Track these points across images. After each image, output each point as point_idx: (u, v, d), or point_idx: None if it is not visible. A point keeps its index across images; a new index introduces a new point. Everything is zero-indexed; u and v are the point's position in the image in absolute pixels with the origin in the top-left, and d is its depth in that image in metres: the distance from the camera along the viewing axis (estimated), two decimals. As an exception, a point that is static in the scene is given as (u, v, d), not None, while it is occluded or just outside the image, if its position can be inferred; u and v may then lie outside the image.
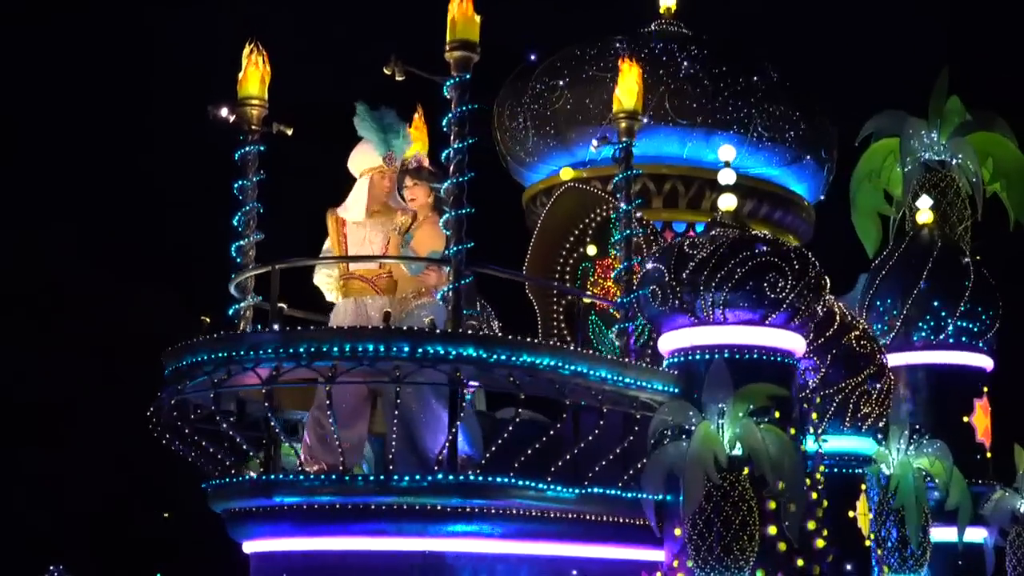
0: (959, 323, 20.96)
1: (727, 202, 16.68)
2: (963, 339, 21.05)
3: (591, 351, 16.19)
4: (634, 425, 15.25)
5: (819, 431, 16.82)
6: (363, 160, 15.82)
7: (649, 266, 16.31)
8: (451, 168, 14.43)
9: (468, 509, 14.16)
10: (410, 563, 14.19)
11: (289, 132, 16.38)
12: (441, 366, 13.36)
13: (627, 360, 15.82)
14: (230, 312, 15.46)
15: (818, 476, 16.22)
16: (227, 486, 14.58)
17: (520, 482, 14.20)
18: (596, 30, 20.55)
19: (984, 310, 21.13)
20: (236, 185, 16.17)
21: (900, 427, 18.81)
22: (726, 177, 16.84)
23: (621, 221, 16.74)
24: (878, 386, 17.57)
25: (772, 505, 15.27)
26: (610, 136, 16.63)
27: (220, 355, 13.82)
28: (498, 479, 13.95)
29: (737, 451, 14.94)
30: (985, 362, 21.48)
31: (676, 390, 15.83)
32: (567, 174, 19.00)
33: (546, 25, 20.44)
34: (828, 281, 16.57)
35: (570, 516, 14.98)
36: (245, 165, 15.99)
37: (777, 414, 15.53)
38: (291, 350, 13.35)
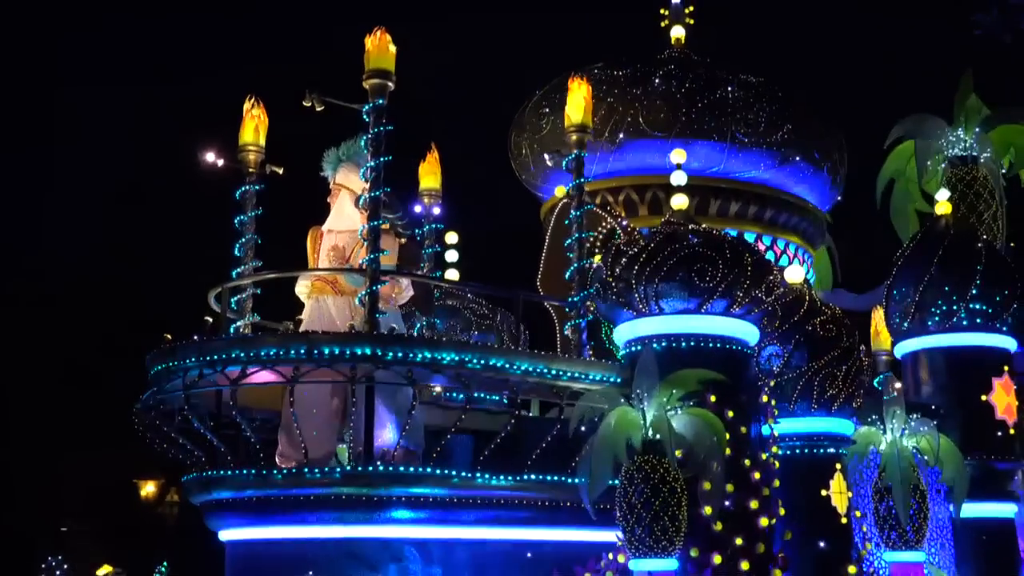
0: (972, 306, 18.47)
1: (678, 201, 15.16)
2: (978, 321, 18.50)
3: (512, 347, 14.84)
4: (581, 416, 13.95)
5: (773, 415, 14.88)
6: (343, 178, 15.30)
7: (595, 265, 15.04)
8: (369, 184, 13.62)
9: (403, 498, 13.24)
10: (358, 549, 13.37)
11: (280, 171, 16.23)
12: (338, 364, 12.49)
13: (554, 353, 14.51)
14: (231, 329, 15.09)
15: (764, 456, 14.31)
16: (202, 480, 14.05)
17: (440, 471, 13.21)
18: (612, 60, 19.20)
19: (999, 292, 18.54)
20: (237, 220, 16.00)
21: (893, 407, 16.59)
22: (677, 178, 15.38)
23: (573, 224, 15.47)
24: (844, 368, 15.47)
25: (707, 486, 13.60)
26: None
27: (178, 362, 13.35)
28: (408, 469, 13.09)
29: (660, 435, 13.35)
30: (1005, 342, 18.82)
31: (619, 380, 14.40)
32: (561, 192, 17.82)
33: (569, 60, 19.15)
34: (774, 269, 14.87)
35: (502, 501, 13.81)
36: (244, 202, 16.05)
37: (713, 398, 13.90)
38: (205, 358, 12.74)
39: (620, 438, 13.13)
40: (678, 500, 13.09)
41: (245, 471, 13.28)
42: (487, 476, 13.61)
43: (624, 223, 17.20)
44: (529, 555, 14.23)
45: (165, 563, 14.62)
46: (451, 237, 19.27)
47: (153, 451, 14.48)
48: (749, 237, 18.36)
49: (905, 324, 19.08)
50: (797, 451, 15.62)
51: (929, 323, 18.77)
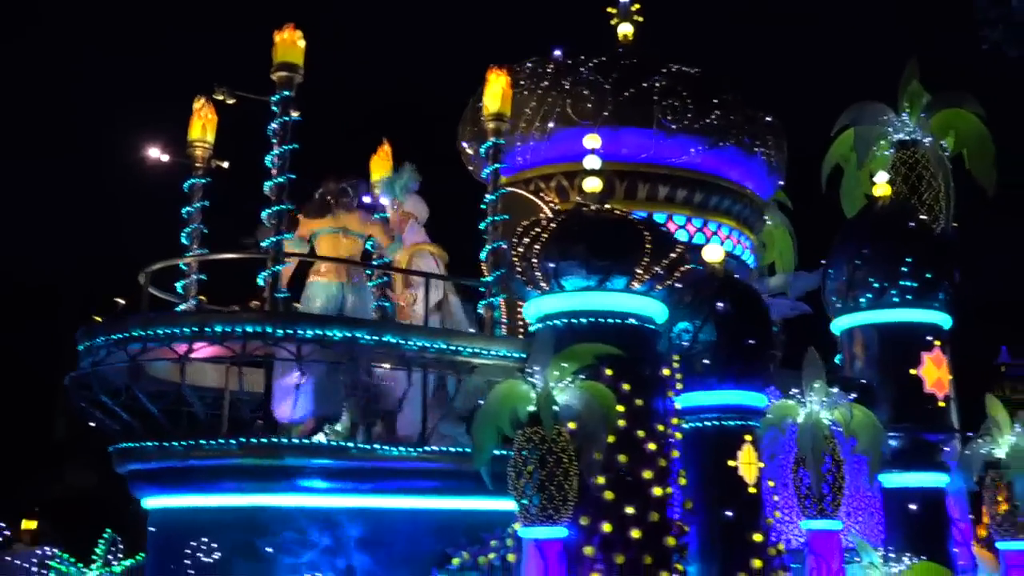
0: (903, 283, 17.62)
1: (591, 185, 14.59)
2: (909, 297, 17.65)
3: (405, 324, 14.37)
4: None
5: (675, 388, 14.27)
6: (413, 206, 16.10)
7: (504, 246, 14.55)
8: (274, 170, 13.30)
9: (302, 468, 12.94)
10: (260, 517, 13.05)
11: (225, 165, 16.09)
12: (229, 341, 12.19)
13: (452, 329, 14.06)
14: (176, 311, 14.91)
15: (661, 428, 13.69)
16: (119, 451, 13.86)
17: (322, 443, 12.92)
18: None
19: (930, 270, 17.66)
20: (184, 210, 15.85)
21: (812, 380, 15.82)
22: (590, 163, 14.82)
23: (488, 207, 15.00)
24: (753, 343, 14.77)
25: (598, 456, 13.05)
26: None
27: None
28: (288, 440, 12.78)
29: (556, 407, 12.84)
30: (937, 318, 17.92)
31: (524, 355, 13.92)
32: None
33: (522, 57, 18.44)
34: (679, 248, 14.20)
35: (404, 472, 13.42)
36: (192, 193, 15.89)
37: (609, 372, 13.34)
38: (111, 336, 12.54)
39: (505, 410, 12.64)
40: (565, 470, 12.57)
41: (150, 443, 13.05)
42: (386, 448, 13.23)
43: (555, 208, 16.68)
44: (436, 524, 13.81)
45: (108, 530, 14.40)
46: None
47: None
48: (678, 220, 17.71)
49: (840, 302, 18.30)
50: (707, 423, 14.96)
51: (862, 300, 17.96)
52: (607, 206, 14.21)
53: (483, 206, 15.02)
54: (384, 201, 16.03)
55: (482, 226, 14.96)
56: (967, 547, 18.83)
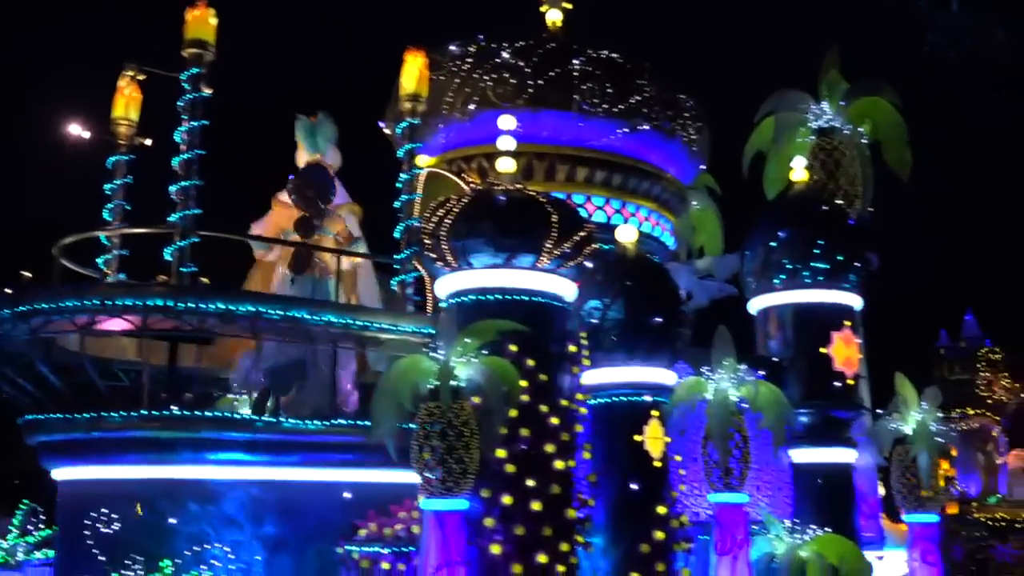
0: (815, 264, 17.59)
1: (505, 165, 14.39)
2: (820, 279, 17.63)
3: (312, 299, 14.16)
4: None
5: (581, 364, 14.16)
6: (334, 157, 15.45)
7: (416, 224, 14.37)
8: (183, 146, 13.05)
9: (206, 441, 12.74)
10: (168, 488, 12.87)
11: (148, 143, 15.81)
12: (129, 315, 11.95)
13: (360, 306, 13.89)
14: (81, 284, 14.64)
15: (564, 403, 13.57)
16: (37, 422, 13.60)
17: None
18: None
19: (841, 252, 17.64)
20: (107, 186, 15.56)
21: (722, 357, 15.78)
22: (505, 143, 14.59)
23: (404, 186, 14.80)
24: (659, 321, 14.68)
25: (502, 430, 12.93)
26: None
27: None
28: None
29: (459, 382, 12.69)
30: (848, 299, 17.92)
31: (434, 331, 13.76)
32: (421, 161, 17.15)
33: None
34: (588, 227, 14.03)
35: (311, 445, 13.26)
36: (116, 170, 15.61)
37: (513, 348, 13.20)
38: (16, 308, 12.29)
39: (406, 385, 12.48)
40: (467, 444, 12.43)
41: (56, 416, 12.81)
42: (293, 420, 13.04)
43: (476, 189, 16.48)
44: (346, 495, 13.66)
45: (26, 500, 14.23)
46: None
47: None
48: (597, 202, 17.60)
49: (756, 283, 18.26)
50: (615, 399, 14.89)
51: (776, 281, 17.93)
52: (518, 186, 14.02)
53: (399, 185, 14.81)
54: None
55: (397, 204, 14.75)
56: (875, 519, 18.93)
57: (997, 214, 58.52)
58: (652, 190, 18.14)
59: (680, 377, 15.53)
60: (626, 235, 15.57)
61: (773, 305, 18.11)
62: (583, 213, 17.47)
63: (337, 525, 13.45)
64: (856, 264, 17.73)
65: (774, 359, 17.76)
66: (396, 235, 14.85)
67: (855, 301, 18.11)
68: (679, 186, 19.00)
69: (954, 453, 17.61)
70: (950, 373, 51.43)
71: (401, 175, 14.80)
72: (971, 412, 49.70)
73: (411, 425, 12.66)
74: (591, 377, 14.94)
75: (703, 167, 19.74)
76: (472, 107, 16.62)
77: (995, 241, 57.81)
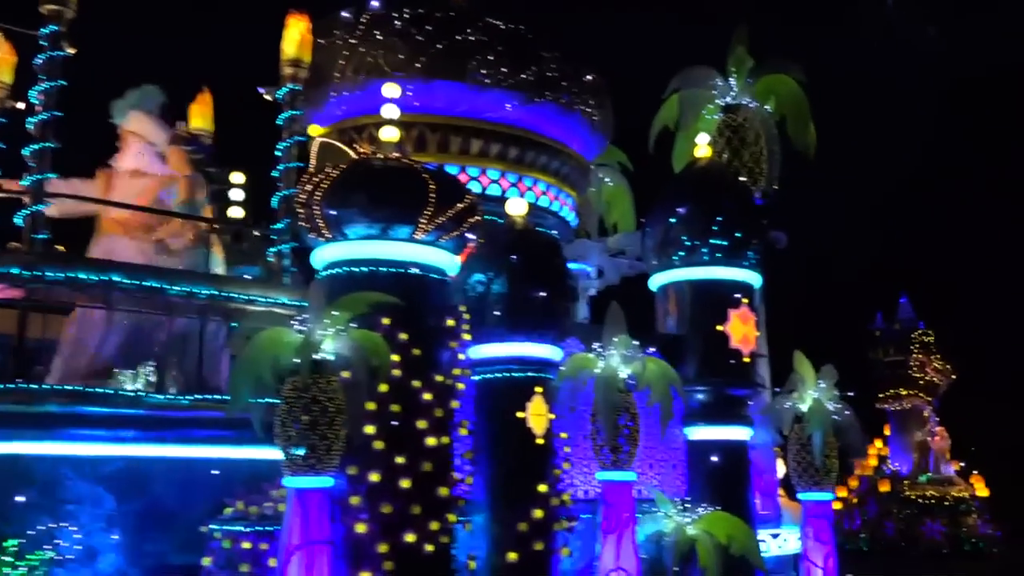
0: (713, 241, 17.23)
1: (387, 134, 13.85)
2: (718, 256, 17.28)
3: (170, 269, 13.54)
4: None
5: (460, 339, 13.68)
6: (135, 124, 14.54)
7: (291, 193, 13.81)
8: (39, 107, 12.38)
9: (67, 416, 12.09)
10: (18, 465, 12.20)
11: (21, 106, 15.02)
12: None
13: (226, 276, 13.33)
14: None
15: (440, 378, 13.09)
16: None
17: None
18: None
19: (739, 229, 17.30)
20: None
21: (613, 334, 15.39)
22: (388, 112, 14.05)
23: (282, 154, 14.25)
24: (543, 295, 14.24)
25: (371, 406, 12.44)
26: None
27: None
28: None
29: (325, 355, 12.16)
30: (746, 276, 17.60)
31: (301, 303, 13.22)
32: (315, 131, 16.56)
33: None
34: (468, 199, 13.53)
35: (177, 421, 12.70)
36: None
37: (386, 321, 12.70)
38: None
39: (266, 358, 11.90)
40: (331, 419, 11.88)
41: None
42: (156, 396, 12.46)
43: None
44: (215, 472, 13.12)
45: None
46: (236, 177, 17.98)
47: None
48: (492, 175, 17.10)
49: (656, 259, 17.89)
50: (497, 375, 14.45)
51: (675, 258, 17.56)
52: (396, 155, 13.49)
53: (277, 153, 14.22)
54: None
55: (275, 173, 14.17)
56: (773, 497, 18.74)
57: (932, 199, 59.11)
58: (551, 164, 17.64)
59: (569, 353, 15.16)
60: (515, 208, 15.10)
61: (672, 282, 17.74)
62: (476, 186, 16.97)
63: (203, 504, 12.89)
64: (755, 241, 17.41)
65: (671, 336, 17.44)
66: (273, 204, 14.25)
67: (754, 279, 17.81)
68: (582, 162, 18.54)
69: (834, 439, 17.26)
70: (884, 355, 52.07)
71: (279, 143, 14.18)
72: (904, 393, 50.37)
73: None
74: (474, 352, 14.53)
75: (607, 143, 19.28)
76: (363, 76, 16.00)
77: (931, 226, 58.37)
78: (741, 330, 17.29)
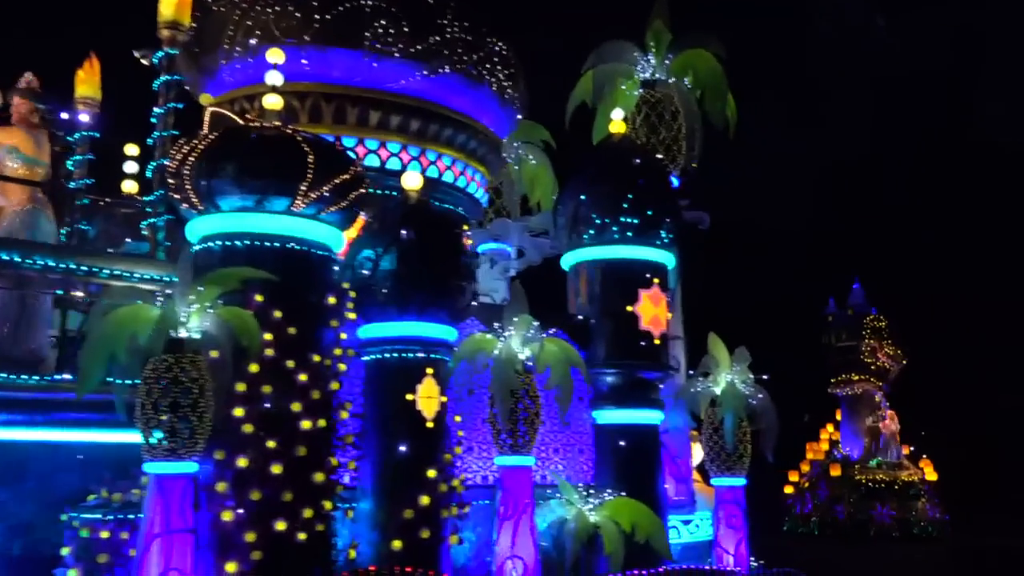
0: (624, 219, 16.62)
1: (270, 101, 13.14)
2: (629, 234, 16.69)
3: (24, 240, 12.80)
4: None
5: (342, 318, 13.03)
6: None
7: (165, 163, 13.07)
8: None
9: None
10: None
11: None
12: None
13: (92, 250, 12.62)
14: None
15: (318, 359, 12.42)
16: None
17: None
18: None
19: (650, 207, 16.71)
20: None
21: (513, 315, 14.81)
22: (272, 78, 13.35)
23: (160, 120, 13.48)
24: (433, 272, 13.60)
25: (241, 387, 11.78)
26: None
27: None
28: None
29: (189, 333, 11.47)
30: (658, 255, 17.03)
31: (173, 278, 12.49)
32: (205, 100, 15.78)
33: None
34: (353, 171, 12.85)
35: (38, 403, 11.95)
36: None
37: (259, 298, 12.03)
38: None
39: (123, 335, 11.20)
40: (194, 401, 11.20)
41: None
42: (10, 377, 11.73)
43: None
44: (80, 457, 12.40)
45: None
46: (131, 149, 17.20)
47: None
48: (392, 148, 16.38)
49: (567, 238, 17.28)
50: (387, 356, 13.80)
51: (585, 236, 16.95)
52: (275, 123, 12.76)
53: (153, 120, 13.47)
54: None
55: (149, 141, 13.41)
56: (687, 483, 18.24)
57: (885, 185, 58.98)
58: (456, 138, 16.92)
59: (464, 334, 14.56)
60: (410, 181, 14.42)
61: (582, 261, 17.12)
62: (375, 160, 16.24)
63: (67, 490, 12.19)
64: (668, 220, 16.82)
65: (580, 317, 16.86)
66: (148, 174, 13.50)
67: (667, 259, 17.24)
68: (493, 137, 17.84)
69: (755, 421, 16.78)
70: (837, 340, 51.90)
71: (155, 109, 13.43)
72: (856, 378, 50.23)
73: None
74: (363, 332, 13.89)
75: (521, 118, 18.61)
76: (254, 42, 15.23)
77: (883, 211, 58.24)
78: (652, 311, 16.73)
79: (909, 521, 45.26)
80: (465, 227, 17.83)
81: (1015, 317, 53.67)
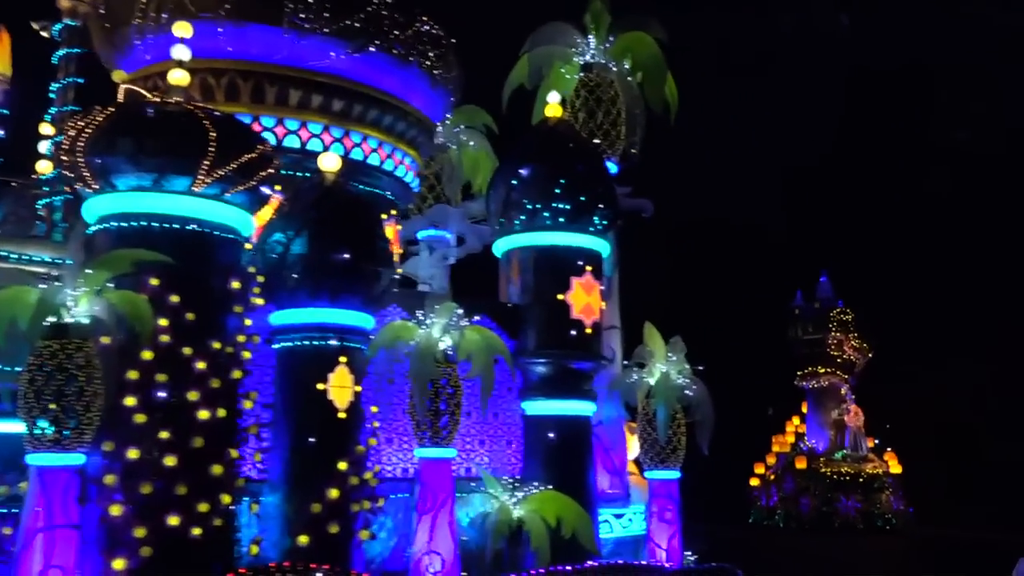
0: (556, 205, 16.11)
1: (176, 76, 12.57)
2: (561, 220, 16.17)
3: None
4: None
5: (248, 304, 12.47)
6: None
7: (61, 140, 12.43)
8: None
9: None
10: None
11: None
12: None
13: None
14: None
15: (218, 346, 11.86)
16: None
17: None
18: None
19: (583, 193, 16.19)
20: None
21: (436, 303, 14.30)
22: (178, 53, 12.77)
23: (59, 95, 12.85)
24: (347, 258, 13.04)
25: (133, 375, 11.22)
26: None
27: None
28: None
29: (77, 318, 10.90)
30: (591, 242, 16.53)
31: (69, 261, 11.90)
32: (118, 77, 15.16)
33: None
34: (259, 150, 12.27)
35: None
36: None
37: (155, 282, 11.47)
38: None
39: (2, 320, 10.61)
40: (80, 389, 10.67)
41: None
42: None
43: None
44: None
45: None
46: (45, 128, 16.51)
47: None
48: (313, 128, 15.77)
49: (498, 223, 16.74)
50: (297, 343, 13.24)
51: (517, 222, 16.41)
52: (177, 100, 12.16)
53: (51, 95, 12.83)
54: None
55: (47, 118, 12.77)
56: (621, 476, 17.76)
57: (854, 180, 58.79)
58: (383, 120, 16.33)
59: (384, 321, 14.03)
60: (328, 162, 13.84)
61: (514, 248, 16.61)
62: (295, 141, 15.61)
63: (-47, 482, 11.62)
64: (602, 206, 16.28)
65: (509, 305, 16.35)
66: (46, 151, 12.88)
67: (601, 246, 16.72)
68: (425, 120, 17.25)
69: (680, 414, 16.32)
70: (803, 333, 51.79)
71: (52, 84, 12.79)
72: (822, 371, 50.08)
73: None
74: (275, 319, 13.32)
75: (454, 101, 18.01)
76: (167, 17, 14.59)
77: (851, 206, 58.08)
78: (584, 299, 16.22)
79: (873, 513, 45.25)
80: (393, 211, 17.42)
81: (981, 310, 53.73)
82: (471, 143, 20.82)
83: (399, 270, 17.40)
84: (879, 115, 56.71)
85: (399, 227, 17.85)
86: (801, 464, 47.70)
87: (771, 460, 49.25)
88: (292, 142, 15.49)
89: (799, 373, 50.38)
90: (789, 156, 55.62)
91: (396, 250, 17.31)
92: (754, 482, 48.84)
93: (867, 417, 49.03)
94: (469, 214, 20.54)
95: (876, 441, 48.68)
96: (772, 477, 48.21)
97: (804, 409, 50.75)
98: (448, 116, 20.25)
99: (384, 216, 16.66)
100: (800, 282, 53.20)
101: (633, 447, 18.43)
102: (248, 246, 12.77)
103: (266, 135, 15.13)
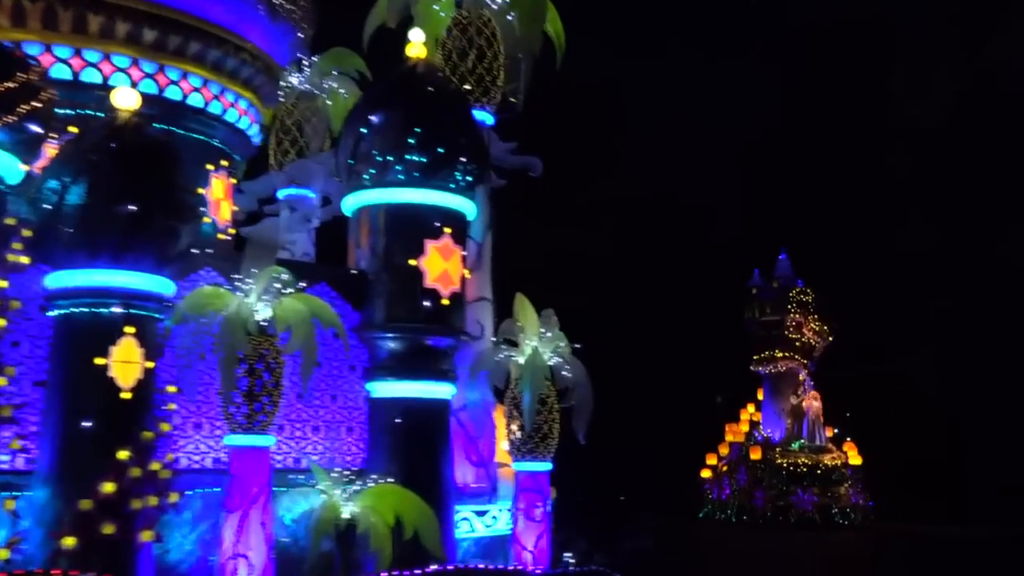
0: (409, 157, 14.91)
1: None
2: (415, 175, 14.96)
3: None
4: None
5: (8, 264, 11.23)
6: None
7: None
8: None
9: None
10: None
11: None
12: None
13: None
14: None
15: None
16: None
17: None
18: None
19: (441, 144, 14.97)
20: None
21: (255, 266, 13.10)
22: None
23: None
24: (131, 208, 11.77)
25: None
26: None
27: None
28: None
29: None
30: (450, 201, 15.36)
31: None
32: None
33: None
34: (17, 79, 10.98)
35: None
36: None
37: None
38: None
39: None
40: None
41: None
42: None
43: None
44: None
45: None
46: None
47: None
48: (120, 62, 14.34)
49: (346, 178, 15.52)
50: (74, 310, 11.97)
51: (366, 176, 15.19)
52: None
53: None
54: None
55: None
56: (486, 467, 16.65)
57: (813, 158, 58.15)
58: (209, 55, 15.03)
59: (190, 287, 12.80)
60: (123, 99, 12.53)
61: (364, 206, 15.41)
62: (95, 75, 14.27)
63: None
64: (464, 160, 15.09)
65: (351, 271, 15.15)
66: None
67: (466, 206, 15.55)
68: (267, 61, 15.97)
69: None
70: (761, 314, 50.98)
71: None
72: (779, 355, 49.32)
73: None
74: (51, 282, 12.04)
75: (300, 41, 16.70)
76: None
77: (810, 183, 57.44)
78: (440, 266, 15.04)
79: (831, 507, 44.70)
80: (224, 162, 16.14)
81: (949, 291, 53.35)
82: (342, 91, 19.55)
83: (232, 230, 16.13)
84: (835, 78, 56.05)
85: (234, 180, 16.58)
86: (756, 455, 47.07)
87: (724, 450, 48.53)
88: (92, 76, 14.16)
89: (755, 357, 49.61)
90: (743, 129, 54.99)
91: (230, 207, 16.09)
92: (706, 474, 48.07)
93: (826, 405, 48.43)
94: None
95: (835, 431, 48.11)
96: (725, 469, 47.49)
97: (760, 396, 50.07)
98: (312, 59, 19.00)
99: (211, 167, 15.45)
100: (758, 260, 52.49)
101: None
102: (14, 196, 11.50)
103: (60, 68, 13.82)
